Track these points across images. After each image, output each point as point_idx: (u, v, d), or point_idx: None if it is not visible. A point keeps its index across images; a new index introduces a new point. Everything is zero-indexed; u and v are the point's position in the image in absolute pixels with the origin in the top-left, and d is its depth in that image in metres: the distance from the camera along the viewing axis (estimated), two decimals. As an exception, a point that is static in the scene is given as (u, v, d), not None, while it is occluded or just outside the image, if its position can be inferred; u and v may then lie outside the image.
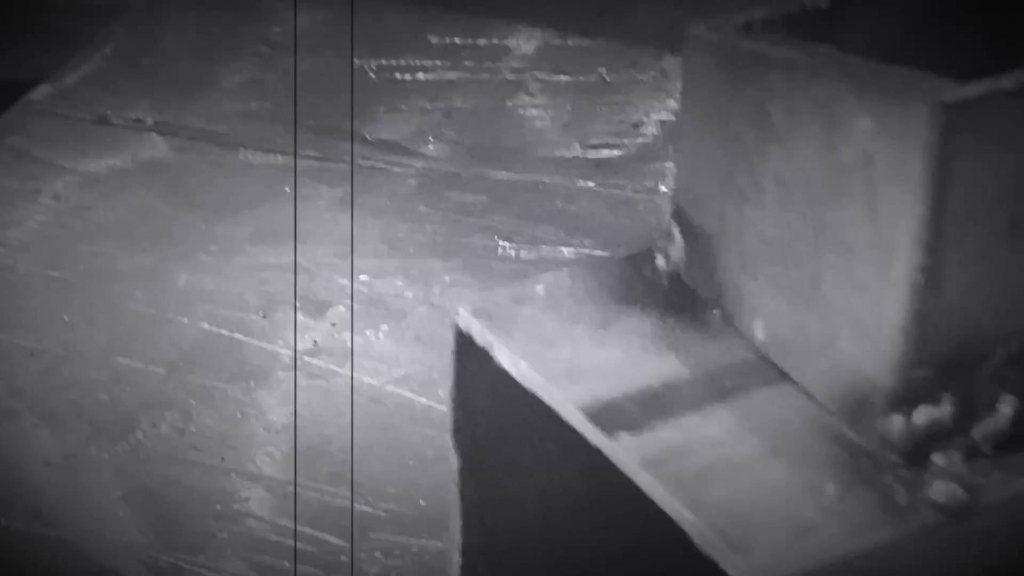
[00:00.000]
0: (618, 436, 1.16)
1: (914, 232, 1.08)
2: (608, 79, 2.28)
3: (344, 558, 1.61)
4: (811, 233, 1.16)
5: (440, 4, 2.29)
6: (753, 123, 1.20)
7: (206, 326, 1.89)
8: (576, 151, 2.19)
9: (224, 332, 1.88)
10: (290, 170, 2.15)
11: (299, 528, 1.65)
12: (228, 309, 1.91)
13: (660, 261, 1.33)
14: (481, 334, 1.27)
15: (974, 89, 1.05)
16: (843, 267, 1.14)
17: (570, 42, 2.38)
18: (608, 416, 1.19)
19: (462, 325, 1.28)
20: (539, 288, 1.32)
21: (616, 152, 2.16)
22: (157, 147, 2.18)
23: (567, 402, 1.20)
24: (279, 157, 2.18)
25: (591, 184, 2.14)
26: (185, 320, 1.90)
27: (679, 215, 1.30)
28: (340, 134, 2.21)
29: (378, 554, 1.62)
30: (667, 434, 1.17)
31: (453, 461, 1.36)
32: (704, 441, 1.17)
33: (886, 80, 1.08)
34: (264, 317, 1.89)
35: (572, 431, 1.20)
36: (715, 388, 1.21)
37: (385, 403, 1.78)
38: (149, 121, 2.23)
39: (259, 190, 2.11)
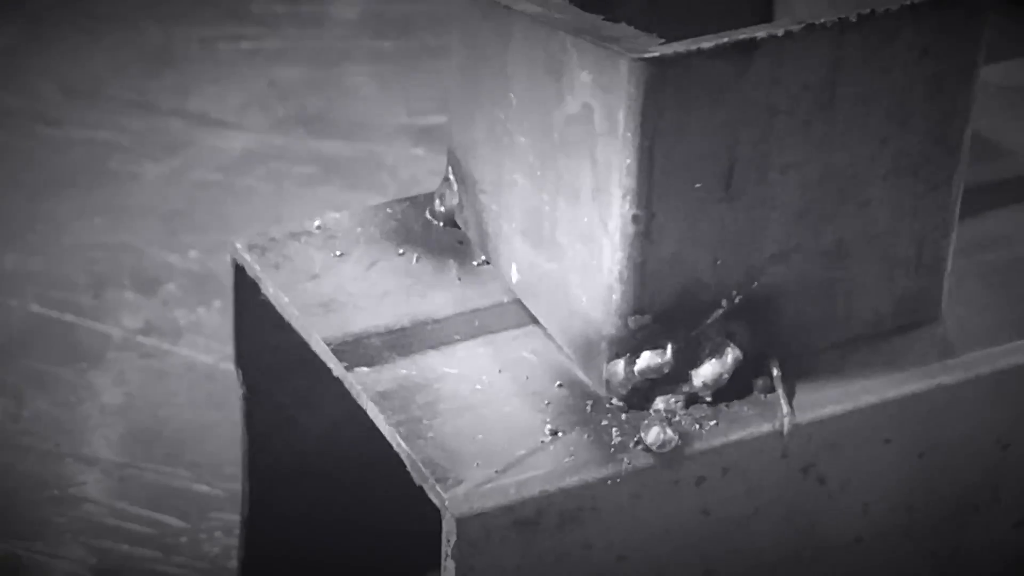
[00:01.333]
0: (357, 369, 1.20)
1: (625, 183, 1.12)
2: (430, 44, 2.29)
3: (184, 539, 1.62)
4: (549, 182, 1.20)
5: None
6: (497, 74, 1.24)
7: (36, 308, 1.89)
8: (403, 118, 2.20)
9: (55, 314, 1.88)
10: (114, 145, 2.13)
11: (137, 510, 1.65)
12: (58, 290, 1.91)
13: (437, 204, 1.36)
14: (251, 267, 1.31)
15: (675, 47, 1.09)
16: (573, 215, 1.18)
17: (392, 7, 2.39)
18: (354, 350, 1.23)
19: (237, 258, 1.32)
20: (314, 225, 1.36)
21: (443, 118, 2.17)
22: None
23: (316, 335, 1.24)
24: (101, 132, 2.16)
25: (419, 151, 2.15)
26: (15, 303, 1.89)
27: (453, 162, 1.33)
28: (163, 108, 2.20)
29: (218, 534, 1.63)
30: (406, 370, 1.21)
31: (237, 390, 1.40)
32: (440, 377, 1.22)
33: (603, 36, 1.12)
34: (95, 297, 1.90)
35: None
36: (465, 328, 1.26)
37: (219, 380, 1.79)
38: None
39: (83, 166, 2.09)
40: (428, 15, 2.36)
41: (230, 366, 1.75)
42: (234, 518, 1.58)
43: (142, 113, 2.19)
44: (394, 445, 1.16)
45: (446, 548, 1.12)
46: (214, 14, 2.36)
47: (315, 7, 2.40)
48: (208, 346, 1.84)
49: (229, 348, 1.75)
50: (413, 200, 1.40)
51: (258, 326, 1.38)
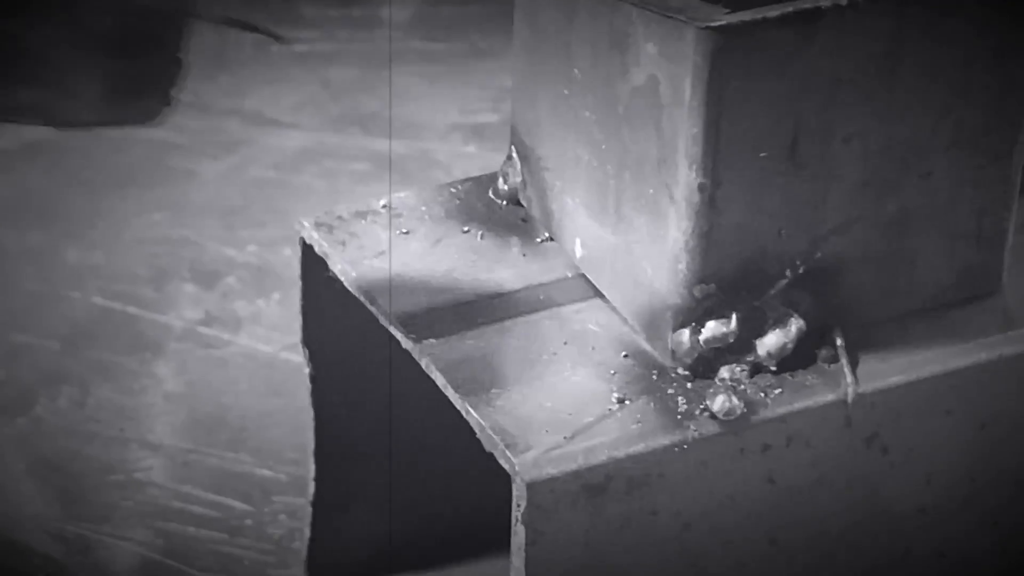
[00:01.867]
0: (425, 342, 1.21)
1: (691, 152, 1.14)
2: (480, 46, 2.31)
3: (249, 521, 1.64)
4: (613, 155, 1.22)
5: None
6: (561, 51, 1.26)
7: (99, 300, 1.91)
8: (455, 117, 2.21)
9: (117, 306, 1.90)
10: (173, 144, 2.17)
11: (202, 494, 1.67)
12: (119, 283, 1.94)
13: (500, 183, 1.38)
14: (319, 244, 1.33)
15: (740, 16, 1.11)
16: (638, 188, 1.20)
17: (443, 9, 2.40)
18: (422, 323, 1.25)
19: (304, 235, 1.35)
20: (380, 205, 1.38)
21: (494, 117, 2.19)
22: (38, 128, 2.18)
23: (384, 309, 1.26)
24: (161, 132, 2.19)
25: (471, 149, 2.17)
26: (78, 295, 1.92)
27: (517, 141, 1.35)
28: (219, 108, 2.23)
29: (282, 516, 1.64)
30: (473, 341, 1.23)
31: (305, 369, 1.42)
32: (507, 349, 1.23)
33: (668, 7, 1.14)
34: (156, 290, 1.93)
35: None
36: (531, 302, 1.28)
37: (279, 369, 1.81)
38: (28, 103, 2.23)
39: (143, 164, 2.12)
40: (477, 17, 2.38)
41: (290, 355, 1.79)
42: (297, 501, 1.60)
43: (199, 113, 2.21)
44: (464, 413, 1.18)
45: (516, 513, 1.13)
46: (267, 18, 2.38)
47: (366, 10, 2.42)
48: (268, 336, 1.86)
49: (288, 338, 1.78)
50: (476, 180, 1.42)
51: (324, 306, 1.40)
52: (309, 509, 1.50)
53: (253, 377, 1.82)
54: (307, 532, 1.52)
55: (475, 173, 2.07)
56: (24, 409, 1.77)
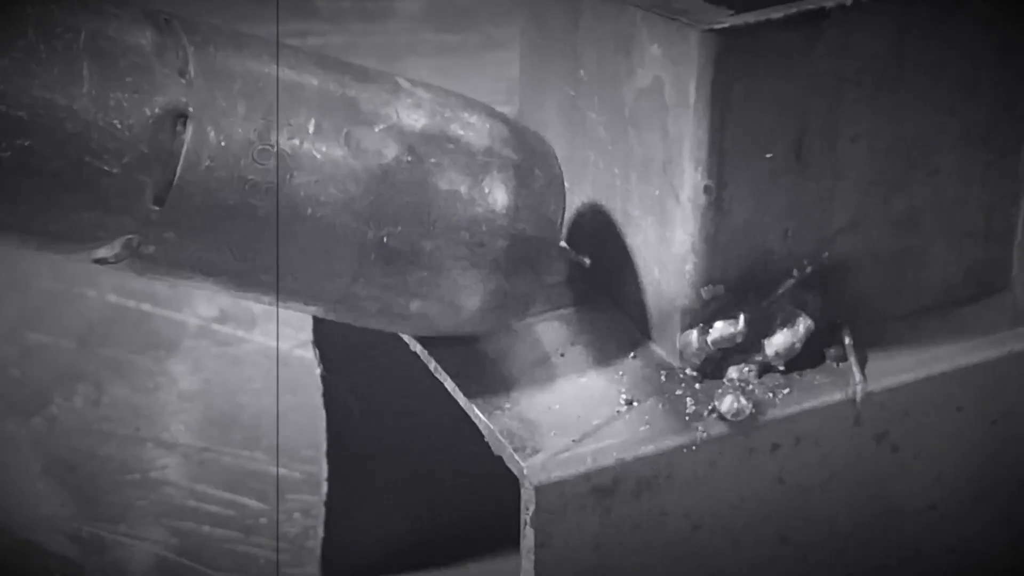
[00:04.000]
0: (434, 344, 1.22)
1: (696, 154, 1.13)
2: (494, 37, 2.31)
3: (263, 520, 1.65)
4: (620, 156, 1.22)
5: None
6: (567, 53, 1.25)
7: (114, 298, 1.92)
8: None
9: (132, 304, 1.91)
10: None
11: (216, 492, 1.68)
12: (134, 280, 1.94)
13: None
14: None
15: (744, 18, 1.11)
16: (644, 189, 1.19)
17: (456, 1, 2.41)
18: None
19: None
20: None
21: (508, 109, 2.18)
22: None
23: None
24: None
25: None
26: (92, 293, 1.93)
27: None
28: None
29: (296, 515, 1.65)
30: (481, 344, 1.23)
31: (314, 372, 1.42)
32: (515, 351, 1.23)
33: (672, 9, 1.14)
34: (171, 287, 1.93)
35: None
36: (541, 305, 1.27)
37: (293, 366, 1.82)
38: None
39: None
40: (491, 8, 2.38)
41: (304, 352, 1.79)
42: (312, 499, 1.61)
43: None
44: (472, 417, 1.18)
45: (525, 516, 1.13)
46: (281, 11, 2.38)
47: (380, 2, 2.42)
48: (282, 333, 1.87)
49: (302, 335, 1.78)
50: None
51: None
52: (323, 508, 1.51)
53: (268, 375, 1.83)
54: (320, 531, 1.52)
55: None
56: (39, 408, 1.78)
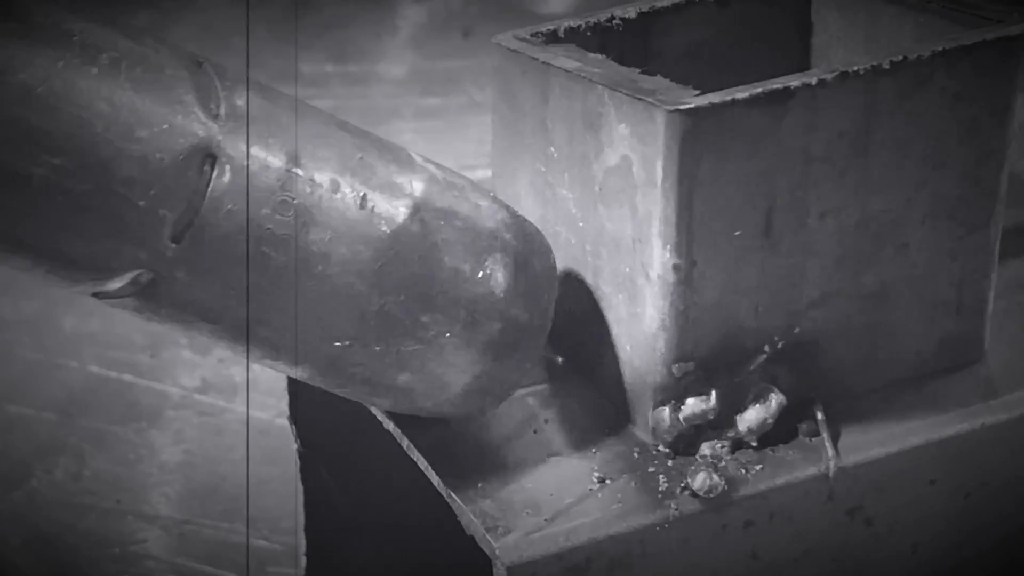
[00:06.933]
0: (407, 423, 1.22)
1: (665, 232, 1.14)
2: (476, 100, 2.32)
3: (243, 593, 1.65)
4: (591, 233, 1.22)
5: (308, 32, 2.32)
6: (537, 129, 1.26)
7: (95, 369, 1.92)
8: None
9: (113, 374, 1.91)
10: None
11: (197, 566, 1.68)
12: (116, 350, 1.95)
13: None
14: None
15: (709, 98, 1.11)
16: (615, 266, 1.20)
17: (439, 64, 2.42)
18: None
19: None
20: None
21: (489, 172, 2.19)
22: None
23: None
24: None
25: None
26: (74, 364, 1.93)
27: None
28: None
29: (277, 587, 1.65)
30: (456, 422, 1.23)
31: (292, 446, 1.42)
32: (488, 429, 1.23)
33: (639, 89, 1.14)
34: (152, 357, 1.93)
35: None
36: (515, 381, 1.27)
37: (274, 435, 1.82)
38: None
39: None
40: (473, 71, 2.39)
41: (285, 422, 1.79)
42: (291, 572, 1.61)
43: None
44: (445, 496, 1.18)
45: (498, 596, 1.13)
46: (264, 73, 2.38)
47: (363, 66, 2.43)
48: (264, 402, 1.87)
49: (284, 404, 1.78)
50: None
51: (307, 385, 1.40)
52: (301, 583, 1.51)
53: (249, 445, 1.82)
54: (299, 606, 1.52)
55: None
56: (19, 482, 1.78)
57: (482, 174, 2.20)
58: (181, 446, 1.82)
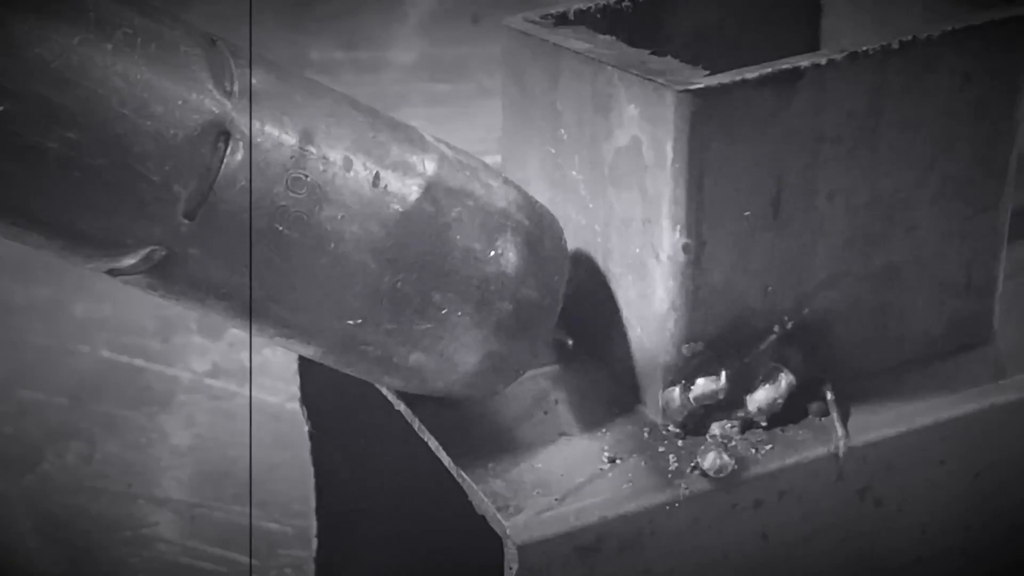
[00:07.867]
0: (417, 403, 1.22)
1: (675, 213, 1.14)
2: (486, 86, 2.32)
3: (255, 576, 1.65)
4: (600, 215, 1.22)
5: (318, 19, 2.32)
6: (547, 112, 1.26)
7: (107, 354, 1.92)
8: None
9: (124, 359, 1.92)
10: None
11: (208, 549, 1.69)
12: (127, 335, 1.95)
13: None
14: None
15: (719, 78, 1.11)
16: (625, 247, 1.20)
17: (448, 50, 2.42)
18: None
19: None
20: None
21: (499, 158, 2.20)
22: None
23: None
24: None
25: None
26: (86, 349, 1.93)
27: None
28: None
29: (288, 570, 1.65)
30: (466, 404, 1.23)
31: (303, 430, 1.42)
32: (499, 410, 1.23)
33: (649, 70, 1.14)
34: (163, 342, 1.94)
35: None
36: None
37: (285, 420, 1.82)
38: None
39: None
40: (482, 57, 2.38)
41: (295, 406, 1.80)
42: (303, 554, 1.61)
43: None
44: (456, 477, 1.18)
45: (508, 575, 1.13)
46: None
47: (372, 52, 2.43)
48: (274, 387, 1.87)
49: (294, 388, 1.78)
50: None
51: (322, 365, 1.40)
52: (312, 564, 1.51)
53: (260, 429, 1.83)
54: (311, 588, 1.52)
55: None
56: (31, 466, 1.78)
57: (491, 160, 2.20)
58: (192, 430, 1.82)
